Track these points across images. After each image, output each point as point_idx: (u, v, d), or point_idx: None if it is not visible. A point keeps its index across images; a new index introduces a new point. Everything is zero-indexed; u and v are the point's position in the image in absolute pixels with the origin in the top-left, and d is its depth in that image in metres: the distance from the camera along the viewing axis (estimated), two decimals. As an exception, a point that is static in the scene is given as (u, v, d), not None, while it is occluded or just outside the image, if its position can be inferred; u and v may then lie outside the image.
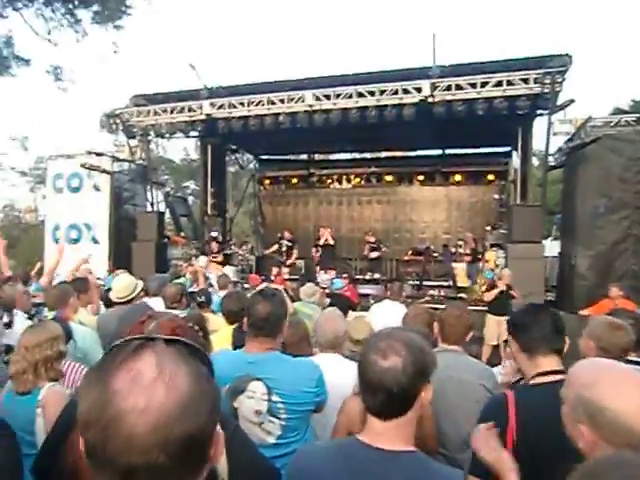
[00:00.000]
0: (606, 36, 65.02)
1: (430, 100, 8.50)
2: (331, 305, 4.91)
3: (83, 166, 11.52)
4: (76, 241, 11.62)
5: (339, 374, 2.15)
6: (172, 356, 0.60)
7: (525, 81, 8.13)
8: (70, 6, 16.84)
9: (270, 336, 1.94)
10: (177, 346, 0.63)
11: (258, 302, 1.95)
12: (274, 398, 1.86)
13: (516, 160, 11.26)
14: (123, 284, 3.83)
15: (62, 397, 1.90)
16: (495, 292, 6.91)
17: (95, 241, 11.51)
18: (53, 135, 46.04)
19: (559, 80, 7.96)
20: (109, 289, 4.33)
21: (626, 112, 14.91)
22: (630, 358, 2.24)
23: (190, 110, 10.16)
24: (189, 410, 0.56)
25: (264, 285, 7.88)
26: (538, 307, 1.71)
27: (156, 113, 10.39)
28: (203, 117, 10.09)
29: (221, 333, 3.28)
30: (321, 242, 10.93)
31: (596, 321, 2.18)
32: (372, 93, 8.84)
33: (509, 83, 8.20)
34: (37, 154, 29.04)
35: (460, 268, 10.23)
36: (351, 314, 5.03)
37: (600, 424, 1.01)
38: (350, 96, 8.97)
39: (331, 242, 10.89)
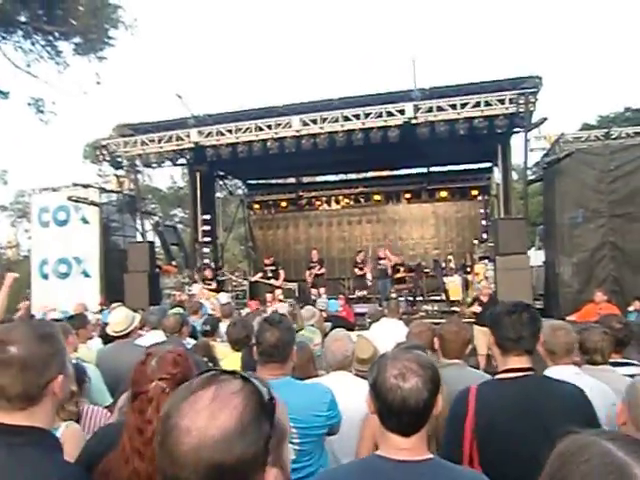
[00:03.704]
0: (572, 56, 68.16)
1: (413, 122, 8.82)
2: (331, 328, 4.99)
3: (70, 199, 11.47)
4: (66, 275, 11.49)
5: (351, 392, 2.22)
6: (231, 390, 0.65)
7: (501, 101, 8.54)
8: (50, 38, 16.90)
9: (280, 362, 1.97)
10: (243, 382, 0.68)
11: (266, 330, 1.97)
12: None
13: (497, 175, 11.67)
14: (119, 318, 3.77)
15: (80, 436, 1.88)
16: (474, 308, 7.22)
17: (86, 275, 11.38)
18: (33, 168, 45.63)
19: (532, 100, 8.40)
20: (107, 324, 4.31)
21: (594, 127, 15.65)
22: (613, 360, 2.39)
23: (178, 139, 10.29)
24: (221, 443, 0.61)
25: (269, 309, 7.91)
26: (519, 307, 1.74)
27: (143, 143, 10.48)
28: (191, 145, 10.21)
29: (228, 360, 3.34)
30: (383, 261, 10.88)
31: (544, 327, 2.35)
32: (357, 116, 9.13)
33: (487, 104, 8.59)
34: (18, 188, 28.64)
35: (451, 282, 10.41)
36: (350, 335, 5.10)
37: (632, 405, 1.20)
38: (336, 120, 9.24)
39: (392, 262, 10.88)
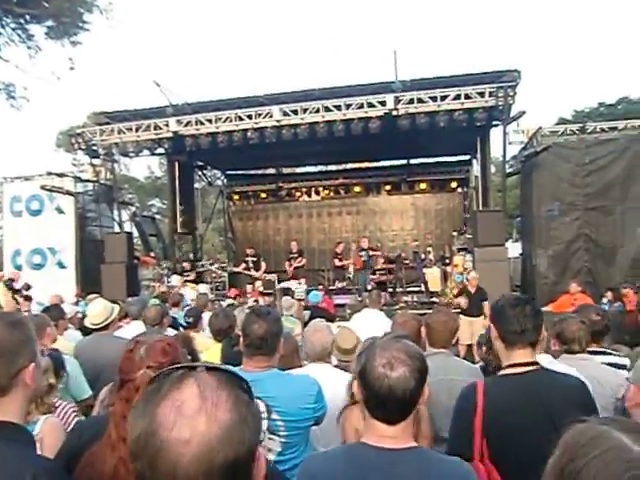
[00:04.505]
0: (548, 52, 69.55)
1: (394, 113, 8.85)
2: (310, 318, 5.01)
3: (44, 188, 11.15)
4: (40, 266, 11.17)
5: (330, 383, 2.21)
6: (213, 385, 0.62)
7: (481, 94, 8.64)
8: (21, 21, 16.26)
9: (268, 354, 1.95)
10: (218, 374, 0.65)
11: (254, 321, 1.94)
12: (273, 416, 1.86)
13: (476, 168, 11.85)
14: (97, 310, 3.66)
15: (60, 429, 1.86)
16: (461, 300, 7.32)
17: (61, 266, 11.11)
18: (4, 155, 43.95)
19: (511, 94, 8.53)
20: (85, 316, 4.21)
21: (569, 121, 16.07)
22: (591, 349, 2.47)
23: (156, 128, 10.07)
24: (231, 439, 0.59)
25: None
26: (521, 301, 1.75)
27: (120, 131, 10.22)
28: (170, 134, 10.02)
29: (209, 353, 3.31)
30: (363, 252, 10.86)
31: None
32: (338, 107, 9.10)
33: (467, 96, 8.68)
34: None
35: (431, 273, 10.56)
36: (330, 326, 5.13)
37: None
38: (317, 111, 9.19)
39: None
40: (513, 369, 1.69)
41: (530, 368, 1.68)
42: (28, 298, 4.08)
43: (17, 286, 4.23)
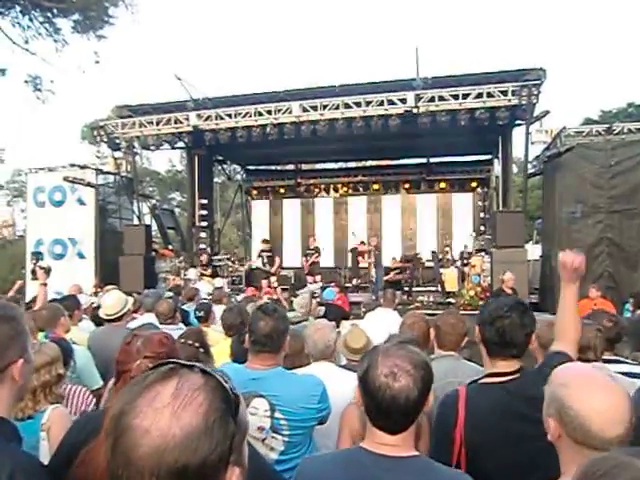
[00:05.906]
0: (576, 50, 67.57)
1: (415, 111, 8.75)
2: (325, 315, 4.98)
3: (66, 179, 11.38)
4: (61, 256, 11.44)
5: (334, 383, 2.17)
6: (194, 387, 0.61)
7: (504, 93, 8.46)
8: (49, 15, 16.58)
9: (273, 352, 1.93)
10: (207, 378, 0.63)
11: (260, 318, 1.93)
12: (277, 415, 1.86)
13: (497, 168, 11.62)
14: (112, 301, 3.71)
15: (67, 419, 1.88)
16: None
17: (81, 256, 11.34)
18: (30, 147, 45.17)
19: (535, 92, 8.32)
20: (99, 306, 4.27)
21: (596, 122, 15.62)
22: (605, 357, 2.38)
23: (176, 122, 10.18)
24: (186, 444, 0.57)
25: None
26: (513, 311, 1.65)
27: (142, 125, 10.37)
28: (190, 129, 10.13)
29: (220, 346, 3.32)
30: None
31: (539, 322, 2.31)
32: (358, 104, 9.04)
33: (489, 95, 8.51)
34: (14, 167, 28.31)
35: (448, 273, 10.43)
36: (344, 323, 5.11)
37: (564, 421, 1.12)
38: (337, 107, 9.16)
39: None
40: (493, 378, 1.65)
41: (509, 377, 1.63)
42: (48, 271, 4.17)
43: (42, 263, 4.46)
